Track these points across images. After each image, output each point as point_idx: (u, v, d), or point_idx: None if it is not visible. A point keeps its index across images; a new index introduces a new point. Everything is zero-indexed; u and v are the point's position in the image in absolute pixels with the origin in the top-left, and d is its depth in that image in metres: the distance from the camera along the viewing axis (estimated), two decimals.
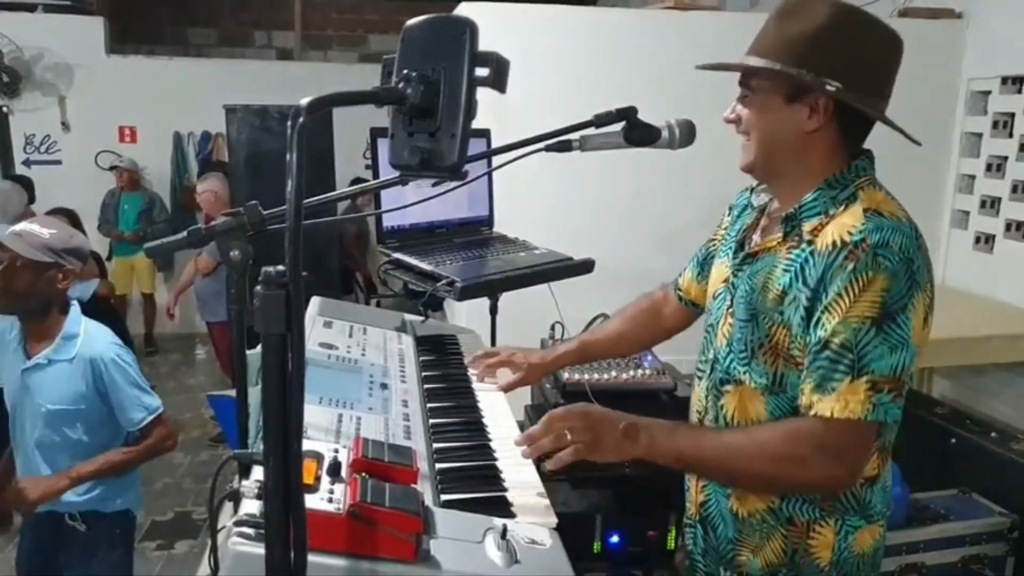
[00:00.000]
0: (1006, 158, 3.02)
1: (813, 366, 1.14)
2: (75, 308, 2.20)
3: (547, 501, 1.20)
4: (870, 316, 1.10)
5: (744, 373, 1.27)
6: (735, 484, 1.28)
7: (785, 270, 1.21)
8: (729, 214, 1.47)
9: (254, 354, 1.18)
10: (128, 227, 6.44)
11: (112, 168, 6.51)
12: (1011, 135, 3.00)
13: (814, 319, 1.15)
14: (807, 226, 1.21)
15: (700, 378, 1.40)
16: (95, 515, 2.19)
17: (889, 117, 1.23)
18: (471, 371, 1.68)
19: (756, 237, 1.33)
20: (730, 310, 1.32)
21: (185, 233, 1.14)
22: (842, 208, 1.19)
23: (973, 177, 3.19)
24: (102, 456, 2.14)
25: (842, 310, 1.11)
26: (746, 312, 1.26)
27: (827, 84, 1.16)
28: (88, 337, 2.15)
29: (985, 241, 3.13)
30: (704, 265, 1.53)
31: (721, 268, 1.40)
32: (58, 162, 6.79)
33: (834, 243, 1.15)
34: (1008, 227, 3.01)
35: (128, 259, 6.53)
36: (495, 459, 1.33)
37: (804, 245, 1.20)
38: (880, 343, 1.10)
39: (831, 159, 1.23)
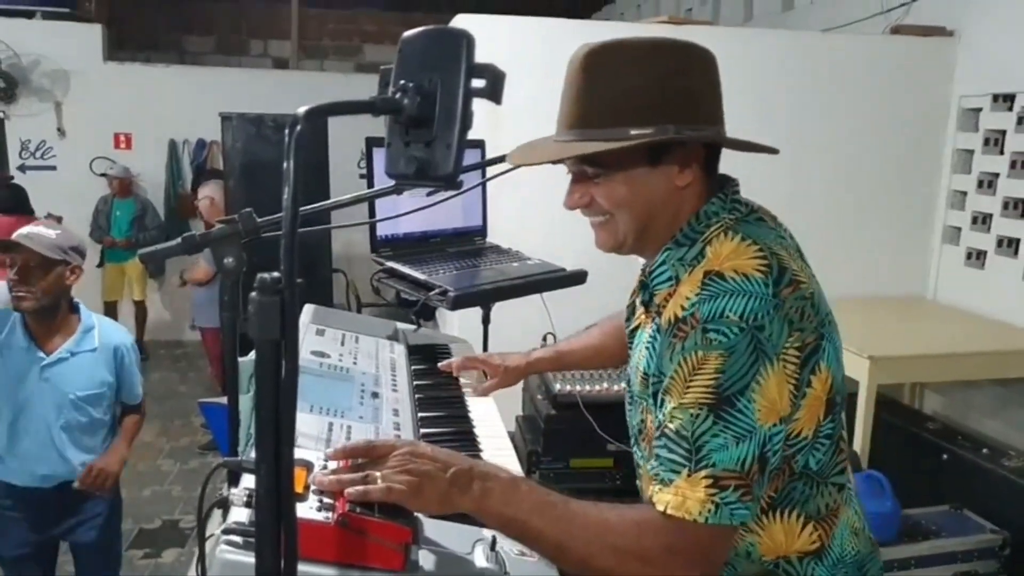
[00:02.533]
0: (997, 175, 3.05)
1: (656, 450, 0.99)
2: (81, 303, 2.44)
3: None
4: (704, 403, 0.94)
5: (640, 458, 1.18)
6: (567, 565, 1.01)
7: (646, 347, 1.09)
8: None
9: (246, 361, 1.18)
10: (121, 233, 6.43)
11: (103, 175, 6.49)
12: (1002, 152, 3.03)
13: (658, 400, 1.02)
14: (657, 298, 1.09)
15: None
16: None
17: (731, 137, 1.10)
18: (448, 372, 1.69)
19: (638, 304, 1.20)
20: (625, 389, 1.23)
21: (179, 240, 1.14)
22: (688, 271, 1.05)
23: (965, 193, 3.21)
24: (126, 426, 2.53)
25: (677, 395, 0.97)
26: (629, 396, 1.18)
27: (695, 131, 1.03)
28: (104, 328, 2.46)
29: (977, 257, 3.15)
30: None
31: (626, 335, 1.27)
32: (53, 168, 6.78)
33: (669, 320, 1.02)
34: (999, 243, 3.03)
35: (119, 265, 6.51)
36: None
37: (657, 318, 1.07)
38: (720, 432, 0.94)
39: (689, 211, 1.08)
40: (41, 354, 2.33)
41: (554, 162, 1.09)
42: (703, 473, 0.94)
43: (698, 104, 1.05)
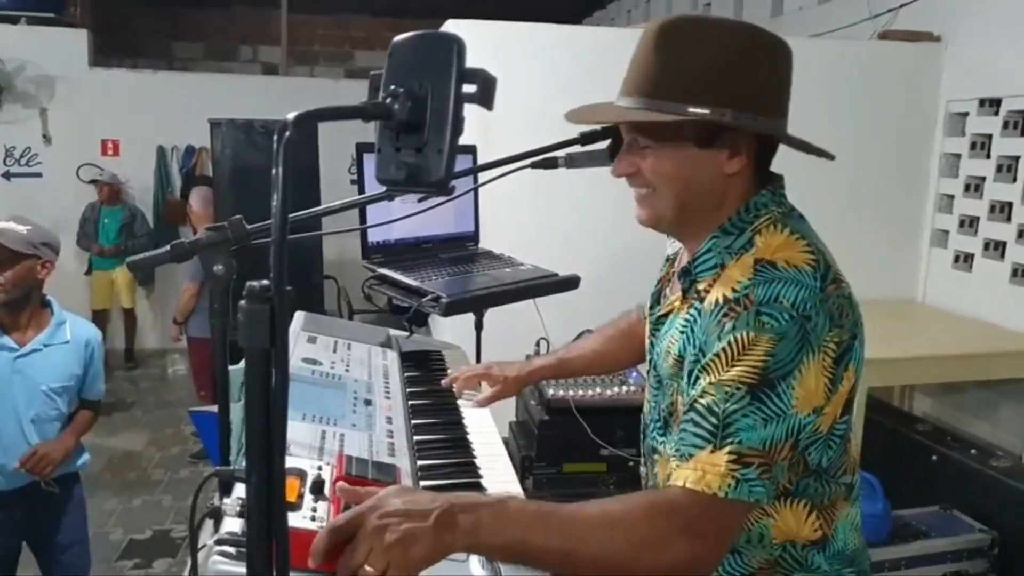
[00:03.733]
0: (984, 178, 3.07)
1: (680, 427, 1.00)
2: (52, 297, 2.52)
3: None
4: (745, 382, 0.95)
5: (662, 444, 1.17)
6: (578, 571, 0.95)
7: (681, 332, 1.09)
8: (666, 261, 1.33)
9: (236, 370, 1.17)
10: (109, 241, 6.38)
11: (93, 182, 6.45)
12: (988, 156, 3.05)
13: (692, 378, 1.02)
14: (701, 283, 1.08)
15: (642, 439, 1.28)
16: (65, 477, 2.51)
17: (792, 135, 1.09)
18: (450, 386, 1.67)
19: (667, 292, 1.22)
20: (648, 374, 1.23)
21: (168, 247, 1.13)
22: (734, 259, 1.05)
23: (952, 197, 3.23)
24: (77, 421, 2.54)
25: (716, 371, 0.97)
26: (656, 380, 1.17)
27: (752, 120, 1.02)
28: (74, 322, 2.54)
29: (964, 260, 3.17)
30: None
31: (648, 322, 1.27)
32: (38, 175, 6.72)
33: (716, 301, 1.02)
34: (986, 246, 3.05)
35: (107, 273, 6.46)
36: (480, 476, 1.33)
37: (697, 304, 1.07)
38: (752, 412, 0.95)
39: (739, 200, 1.08)
40: (14, 345, 2.40)
41: (603, 131, 1.13)
42: (727, 449, 0.94)
43: (762, 94, 1.04)
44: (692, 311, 1.08)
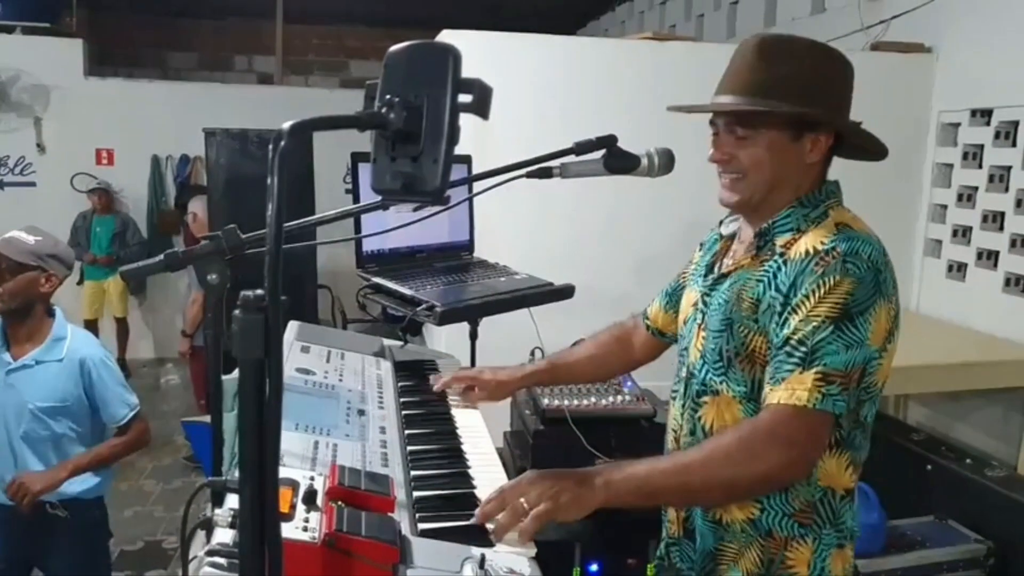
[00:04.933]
0: (976, 188, 3.09)
1: (773, 362, 1.19)
2: (60, 313, 2.40)
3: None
4: (830, 316, 1.15)
5: (721, 383, 1.29)
6: (699, 500, 1.29)
7: (759, 280, 1.26)
8: (700, 249, 1.52)
9: (230, 379, 1.16)
10: (101, 250, 6.35)
11: (91, 191, 6.39)
12: (980, 166, 3.07)
13: (781, 319, 1.20)
14: (780, 240, 1.27)
15: (675, 398, 1.43)
16: (76, 502, 2.35)
17: (862, 129, 1.33)
18: (442, 390, 1.67)
19: (727, 260, 1.38)
20: (701, 326, 1.36)
21: (162, 256, 1.13)
22: (814, 225, 1.26)
23: (945, 207, 3.25)
24: (94, 449, 2.37)
25: (806, 310, 1.17)
26: (720, 323, 1.30)
27: (834, 118, 1.26)
28: (75, 339, 2.38)
29: (958, 269, 3.18)
30: (672, 296, 1.58)
31: (691, 295, 1.44)
32: (32, 184, 6.71)
33: (806, 251, 1.21)
34: (979, 256, 3.07)
35: (99, 283, 6.42)
36: (474, 487, 1.32)
37: (776, 258, 1.25)
38: (835, 339, 1.15)
39: (814, 183, 1.30)
40: (8, 359, 2.30)
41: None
42: (815, 370, 1.14)
43: (842, 100, 1.29)
44: (771, 263, 1.25)
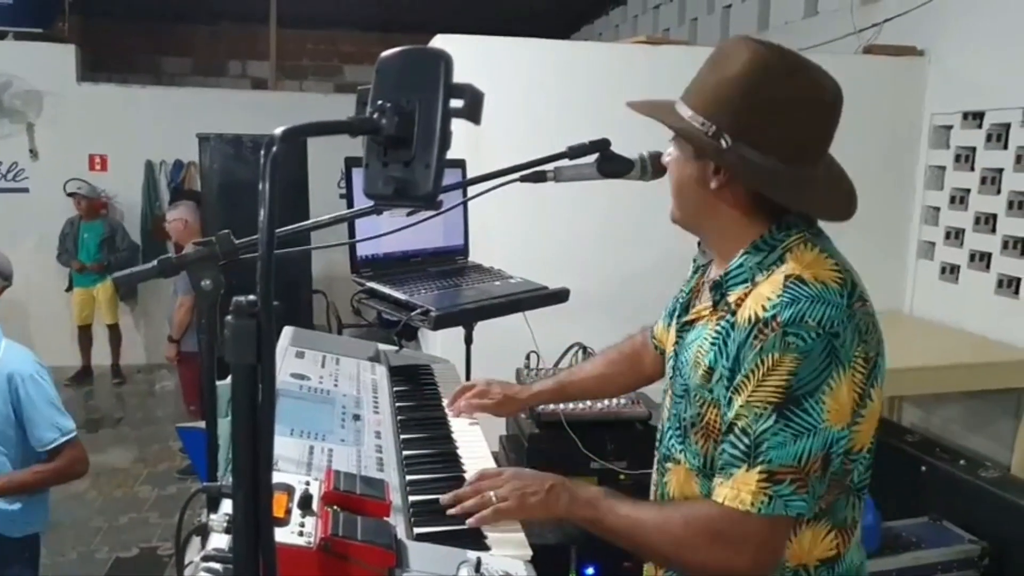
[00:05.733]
0: (968, 190, 3.10)
1: (720, 448, 1.08)
2: None
3: (522, 533, 1.19)
4: (772, 402, 1.01)
5: (680, 452, 1.21)
6: (642, 557, 1.31)
7: (712, 343, 1.12)
8: (693, 264, 1.37)
9: (224, 385, 1.16)
10: (89, 256, 6.32)
11: (71, 195, 6.34)
12: (972, 168, 3.09)
13: (727, 398, 1.07)
14: (732, 296, 1.11)
15: (656, 448, 1.34)
16: (2, 539, 2.14)
17: (808, 190, 1.10)
18: (449, 411, 1.65)
19: (696, 302, 1.26)
20: (671, 382, 1.26)
21: (155, 262, 1.13)
22: (765, 275, 1.08)
23: (938, 209, 3.26)
24: (11, 474, 2.12)
25: (746, 393, 1.03)
26: (680, 388, 1.20)
27: (723, 140, 1.06)
28: (8, 354, 2.15)
29: (951, 271, 3.20)
30: (671, 317, 1.47)
31: (671, 331, 1.33)
32: (25, 190, 6.70)
33: (749, 318, 1.05)
34: (972, 258, 3.08)
35: (88, 289, 6.39)
36: None
37: (728, 316, 1.11)
38: (780, 430, 1.00)
39: (748, 220, 1.12)
40: None
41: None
42: (759, 468, 1.01)
43: (773, 131, 1.06)
44: (724, 323, 1.11)
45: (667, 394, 1.27)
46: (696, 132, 1.08)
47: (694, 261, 1.35)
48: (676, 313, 1.30)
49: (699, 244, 1.31)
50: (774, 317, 1.02)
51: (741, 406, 1.03)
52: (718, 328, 1.12)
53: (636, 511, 1.14)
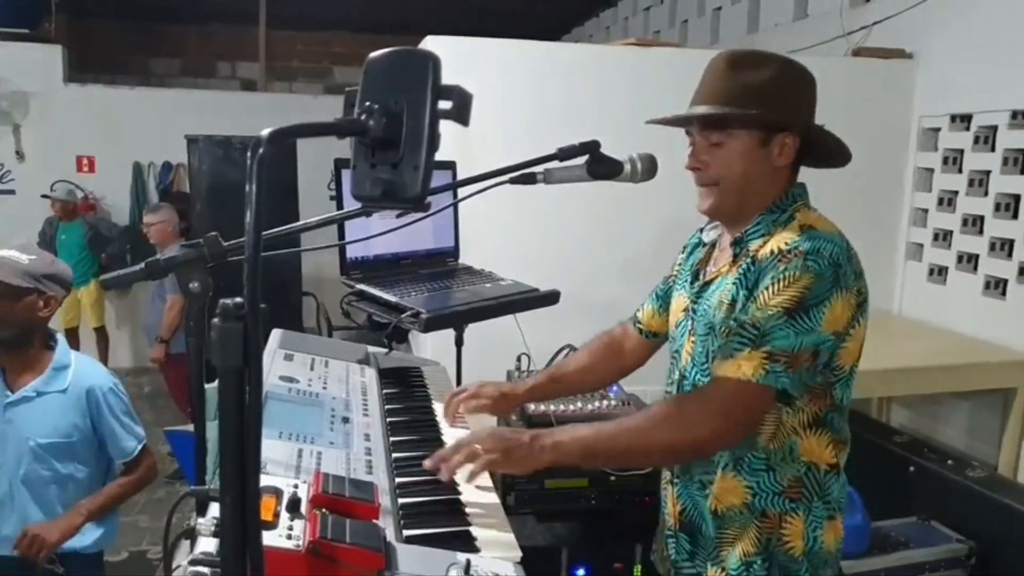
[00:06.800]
0: (956, 192, 3.12)
1: (727, 340, 1.27)
2: (62, 338, 2.18)
3: (511, 535, 1.19)
4: (785, 307, 1.22)
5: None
6: (641, 461, 1.51)
7: (734, 283, 1.33)
8: (683, 252, 1.58)
9: (213, 388, 1.15)
10: (72, 258, 6.22)
11: (44, 197, 6.24)
12: (960, 171, 3.11)
13: (740, 307, 1.29)
14: (752, 245, 1.34)
15: (668, 396, 1.47)
16: (76, 557, 2.09)
17: (831, 133, 1.38)
18: (445, 420, 1.64)
19: (711, 268, 1.44)
20: (691, 330, 1.42)
21: (143, 264, 1.12)
22: (781, 228, 1.32)
23: (926, 211, 3.28)
24: (105, 490, 2.13)
25: (764, 299, 1.24)
26: (705, 328, 1.37)
27: (798, 123, 1.32)
28: (80, 367, 2.13)
29: (939, 273, 3.22)
30: (663, 298, 1.62)
31: (680, 300, 1.50)
32: (12, 192, 6.64)
33: (771, 251, 1.28)
34: (960, 259, 3.10)
35: (72, 292, 6.32)
36: (459, 493, 1.32)
37: (748, 261, 1.33)
38: (786, 327, 1.22)
39: (777, 189, 1.37)
40: (7, 391, 2.05)
41: (682, 125, 1.38)
42: (764, 349, 1.22)
43: (811, 110, 1.37)
44: (744, 266, 1.32)
45: (685, 346, 1.44)
46: (777, 119, 1.31)
47: (684, 248, 1.57)
48: (688, 283, 1.48)
49: (701, 229, 1.52)
50: (797, 247, 1.25)
51: (757, 308, 1.24)
52: (739, 272, 1.33)
53: (622, 423, 1.32)
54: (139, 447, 2.18)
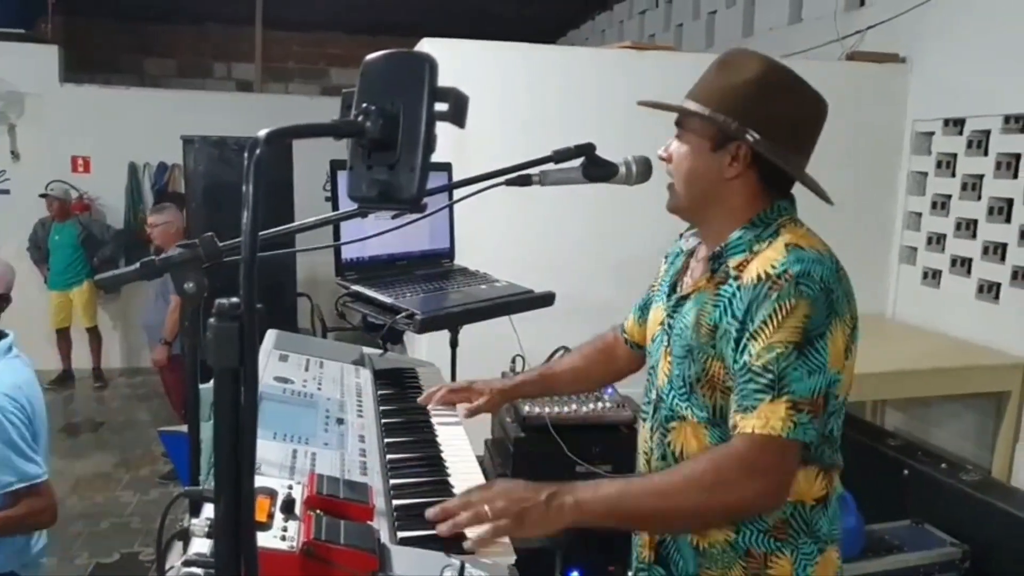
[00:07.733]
0: (950, 196, 3.14)
1: (738, 389, 1.19)
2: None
3: (506, 537, 1.19)
4: (793, 341, 1.15)
5: (686, 408, 1.30)
6: (671, 526, 1.28)
7: (715, 305, 1.25)
8: (665, 261, 1.51)
9: (207, 388, 1.15)
10: (65, 258, 6.23)
11: (42, 196, 6.23)
12: (954, 175, 3.12)
13: (740, 346, 1.19)
14: (732, 262, 1.26)
15: (645, 419, 1.42)
16: None
17: (808, 174, 1.30)
18: (420, 401, 1.65)
19: (687, 279, 1.38)
20: (668, 349, 1.35)
21: (138, 265, 1.12)
22: (765, 244, 1.24)
23: (920, 215, 3.30)
24: None
25: (766, 336, 1.16)
26: (682, 350, 1.30)
27: (748, 134, 1.22)
28: None
29: (932, 276, 3.23)
30: (644, 309, 1.57)
31: (657, 312, 1.43)
32: (6, 192, 6.62)
33: (758, 276, 1.20)
34: (953, 263, 3.11)
35: (65, 292, 6.29)
36: (454, 495, 1.31)
37: (731, 281, 1.25)
38: (799, 366, 1.14)
39: (752, 203, 1.29)
40: None
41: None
42: (785, 399, 1.14)
43: (774, 124, 1.24)
44: (726, 287, 1.25)
45: (661, 364, 1.36)
46: (726, 123, 1.23)
47: (665, 257, 1.51)
48: (665, 295, 1.41)
49: (682, 233, 1.45)
50: (785, 271, 1.17)
51: (762, 347, 1.15)
52: (719, 292, 1.26)
53: (650, 482, 1.22)
54: (16, 484, 1.96)
